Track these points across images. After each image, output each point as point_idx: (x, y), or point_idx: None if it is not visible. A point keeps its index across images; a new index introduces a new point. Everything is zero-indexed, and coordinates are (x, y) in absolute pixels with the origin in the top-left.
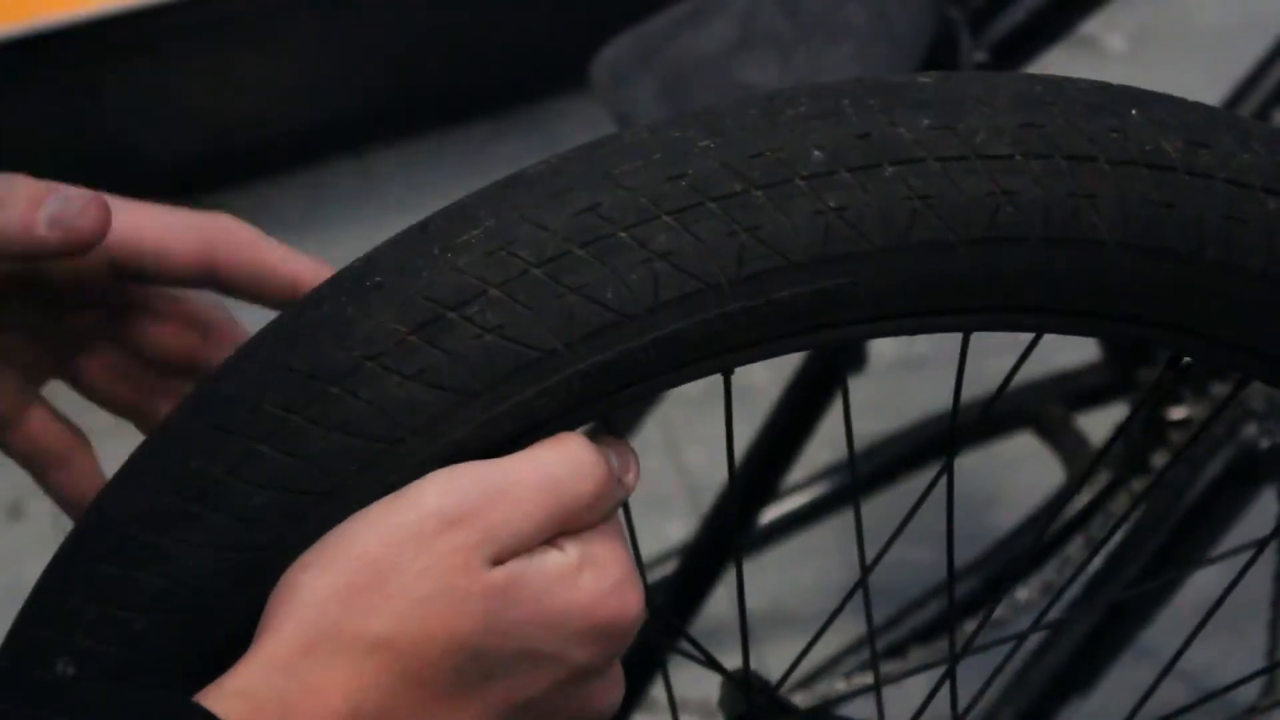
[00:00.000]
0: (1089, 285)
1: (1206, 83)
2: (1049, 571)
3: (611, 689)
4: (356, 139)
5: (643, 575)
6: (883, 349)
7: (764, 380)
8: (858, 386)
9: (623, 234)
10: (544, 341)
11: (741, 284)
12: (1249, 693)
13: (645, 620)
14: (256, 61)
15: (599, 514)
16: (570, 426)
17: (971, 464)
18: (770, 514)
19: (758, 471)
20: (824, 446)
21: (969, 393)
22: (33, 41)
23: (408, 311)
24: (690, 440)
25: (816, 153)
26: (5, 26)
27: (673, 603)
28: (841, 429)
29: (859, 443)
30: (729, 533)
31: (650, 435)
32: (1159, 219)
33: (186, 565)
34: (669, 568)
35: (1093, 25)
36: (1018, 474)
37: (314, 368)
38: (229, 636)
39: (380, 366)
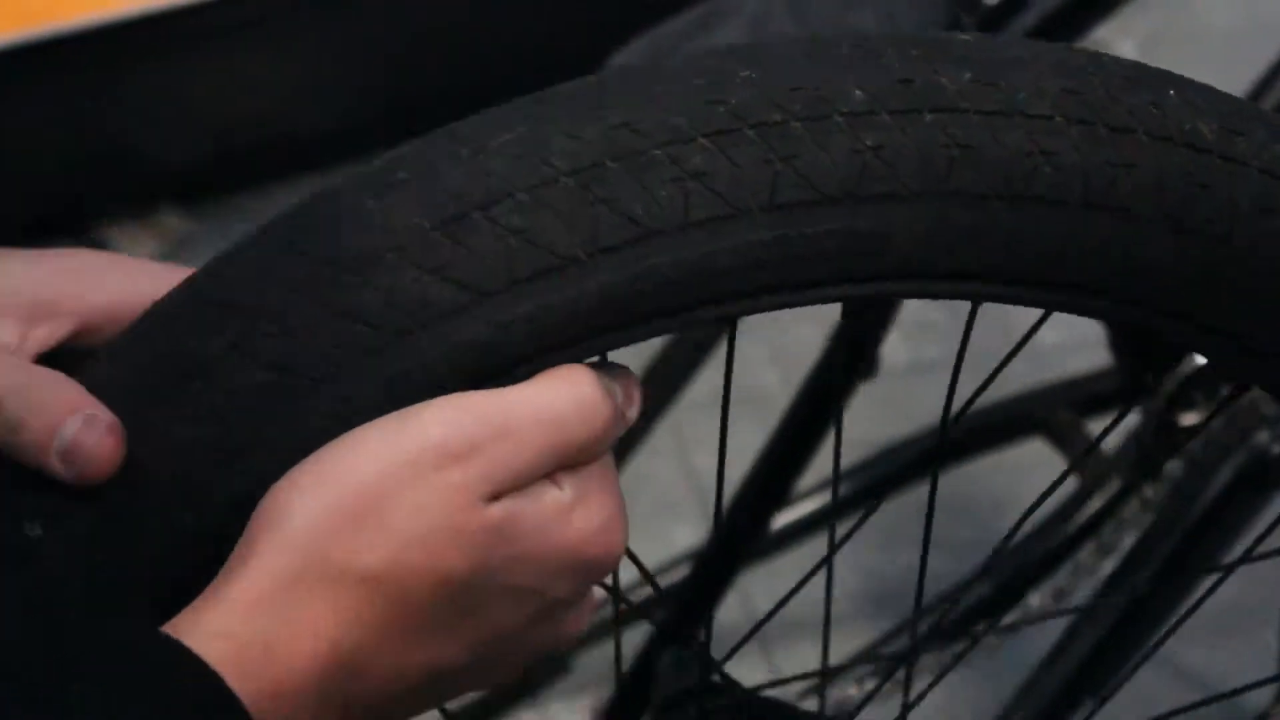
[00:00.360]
0: (1116, 261)
1: (1218, 86)
2: (1061, 577)
3: (581, 617)
4: (362, 141)
5: (653, 583)
6: (894, 354)
7: (774, 384)
8: (869, 391)
9: (657, 151)
10: (567, 249)
11: (773, 212)
12: (1261, 699)
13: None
14: (262, 64)
15: (600, 451)
16: (581, 354)
17: (982, 470)
18: (782, 519)
19: (769, 476)
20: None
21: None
22: (42, 47)
23: (432, 208)
24: (701, 445)
25: (858, 92)
26: (15, 32)
27: (684, 608)
28: (854, 433)
29: (869, 448)
30: (718, 494)
31: (660, 440)
32: (1195, 197)
33: (173, 442)
34: (679, 573)
35: (1104, 30)
36: (1029, 480)
37: (329, 254)
38: (207, 521)
39: (399, 258)
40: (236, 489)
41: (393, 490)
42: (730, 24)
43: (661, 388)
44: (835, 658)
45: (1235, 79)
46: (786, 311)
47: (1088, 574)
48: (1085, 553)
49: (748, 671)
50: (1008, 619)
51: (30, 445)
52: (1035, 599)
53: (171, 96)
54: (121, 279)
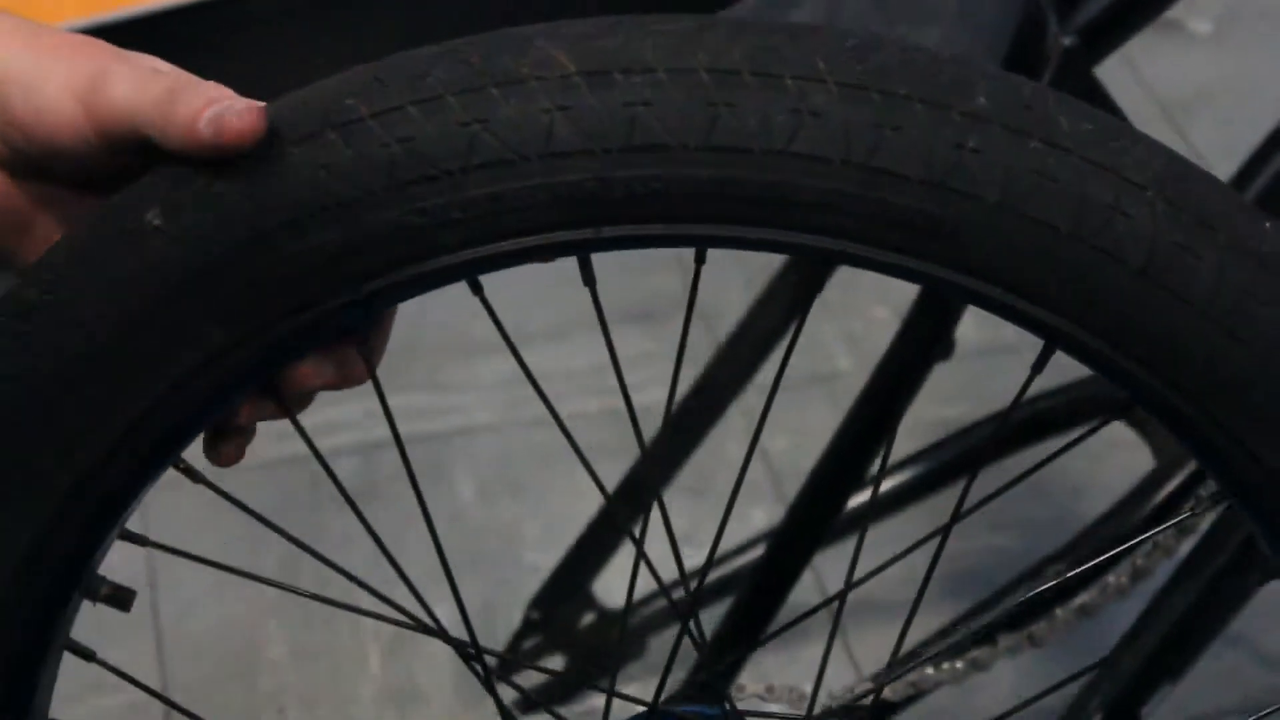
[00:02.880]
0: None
1: None
2: (1139, 557)
3: None
4: None
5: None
6: (968, 335)
7: (848, 367)
8: (944, 372)
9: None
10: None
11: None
12: None
13: None
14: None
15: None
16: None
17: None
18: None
19: (844, 459)
20: (906, 435)
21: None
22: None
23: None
24: (774, 428)
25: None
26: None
27: (756, 590)
28: (924, 416)
29: (948, 427)
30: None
31: (734, 423)
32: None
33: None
34: (754, 554)
35: (1178, 8)
36: (1107, 461)
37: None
38: None
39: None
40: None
41: None
42: (805, 5)
43: (734, 370)
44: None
45: None
46: (861, 294)
47: (1166, 554)
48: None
49: (816, 654)
50: (1084, 599)
51: (185, 116)
52: (1113, 579)
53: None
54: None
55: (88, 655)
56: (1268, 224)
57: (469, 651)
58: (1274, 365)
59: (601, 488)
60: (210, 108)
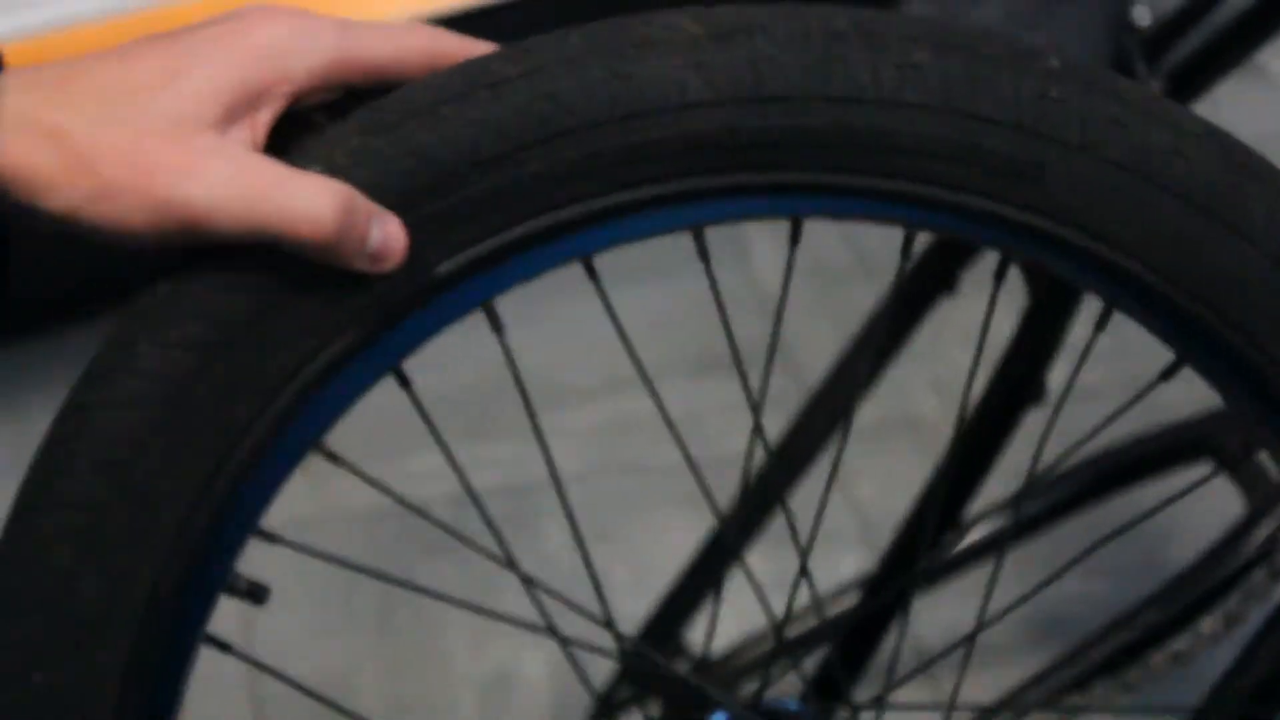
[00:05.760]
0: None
1: None
2: (1231, 603)
3: None
4: None
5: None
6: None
7: (933, 411)
8: (1036, 415)
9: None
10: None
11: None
12: None
13: None
14: None
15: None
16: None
17: (1150, 495)
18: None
19: (935, 504)
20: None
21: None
22: None
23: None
24: (862, 475)
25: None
26: None
27: (851, 636)
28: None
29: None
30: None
31: (822, 469)
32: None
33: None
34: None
35: (1262, 53)
36: (1197, 505)
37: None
38: None
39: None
40: None
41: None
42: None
43: (823, 419)
44: (1001, 688)
45: None
46: (947, 338)
47: (1260, 598)
48: (1257, 577)
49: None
50: (1178, 645)
51: (340, 259)
52: (1206, 625)
53: None
54: (309, 40)
55: (225, 647)
56: None
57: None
58: None
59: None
60: (364, 245)
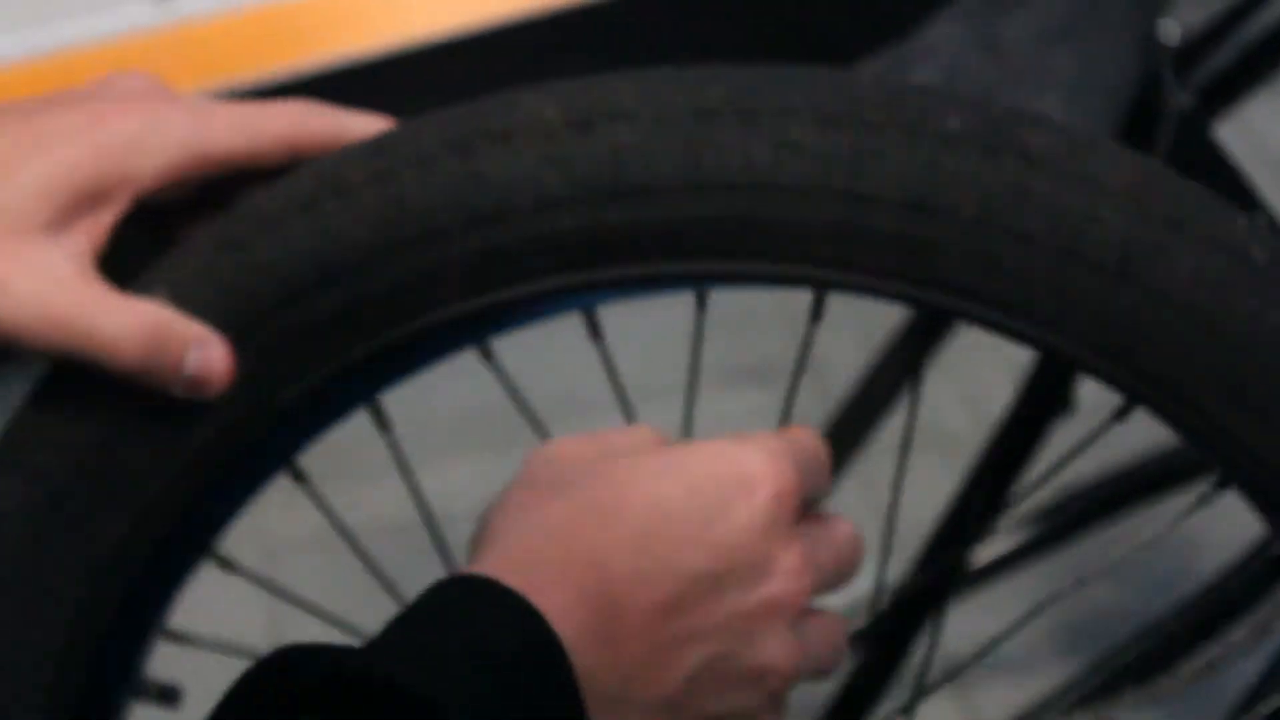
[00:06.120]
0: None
1: None
2: (1261, 613)
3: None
4: None
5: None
6: (1089, 393)
7: (964, 427)
8: (1067, 430)
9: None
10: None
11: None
12: None
13: None
14: None
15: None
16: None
17: (1172, 508)
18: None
19: (963, 516)
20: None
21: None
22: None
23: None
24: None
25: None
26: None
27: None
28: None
29: (1060, 489)
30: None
31: (852, 483)
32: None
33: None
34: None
35: None
36: (1224, 518)
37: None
38: None
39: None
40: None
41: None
42: (922, 66)
43: (848, 436)
44: (1031, 694)
45: None
46: (979, 353)
47: None
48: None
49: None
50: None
51: (155, 384)
52: (1235, 635)
53: None
54: (158, 138)
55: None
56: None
57: None
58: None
59: None
60: (178, 372)
